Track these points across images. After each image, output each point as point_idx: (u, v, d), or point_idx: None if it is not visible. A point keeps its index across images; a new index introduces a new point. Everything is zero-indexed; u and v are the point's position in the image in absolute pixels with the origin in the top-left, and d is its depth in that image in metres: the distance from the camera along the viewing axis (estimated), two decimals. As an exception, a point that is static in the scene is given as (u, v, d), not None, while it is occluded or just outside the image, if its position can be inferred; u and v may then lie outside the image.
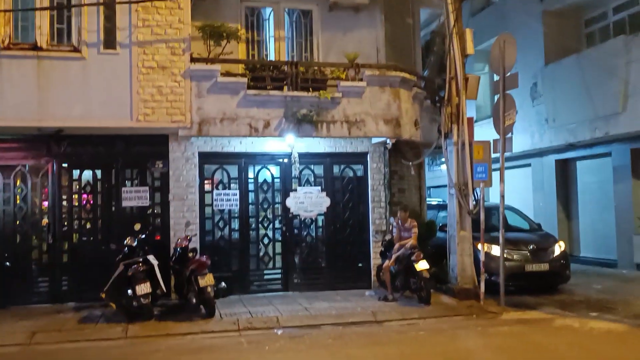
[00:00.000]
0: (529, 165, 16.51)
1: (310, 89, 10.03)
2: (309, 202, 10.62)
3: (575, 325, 8.07)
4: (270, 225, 10.69)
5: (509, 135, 9.46)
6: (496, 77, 9.86)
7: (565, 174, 15.57)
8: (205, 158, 10.32)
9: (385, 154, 10.94)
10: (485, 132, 13.59)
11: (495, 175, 9.51)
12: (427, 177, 14.30)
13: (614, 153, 13.60)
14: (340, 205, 10.90)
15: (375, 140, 10.75)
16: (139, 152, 10.06)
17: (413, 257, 9.16)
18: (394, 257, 9.54)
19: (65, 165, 9.92)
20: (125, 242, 8.70)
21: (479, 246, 9.63)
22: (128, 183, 10.09)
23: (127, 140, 9.98)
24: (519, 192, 16.48)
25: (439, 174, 18.58)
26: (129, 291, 8.17)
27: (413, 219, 9.83)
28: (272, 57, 11.05)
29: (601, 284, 11.56)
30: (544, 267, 10.58)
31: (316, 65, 10.49)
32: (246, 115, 9.74)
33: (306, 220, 10.77)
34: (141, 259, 8.45)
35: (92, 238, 10.00)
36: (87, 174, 10.05)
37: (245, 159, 10.56)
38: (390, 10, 11.45)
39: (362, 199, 10.96)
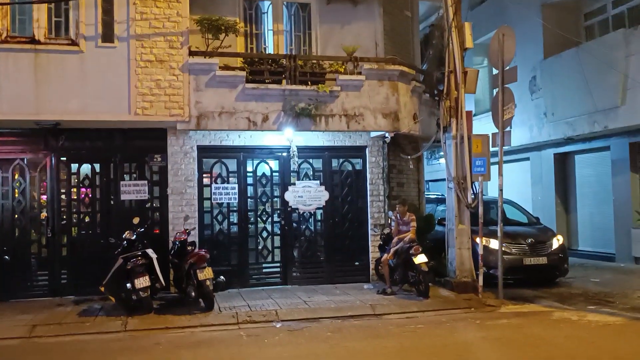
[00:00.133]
0: (527, 159, 16.52)
1: (309, 82, 10.02)
2: (307, 196, 10.63)
3: (573, 318, 8.10)
4: (269, 219, 10.70)
5: (508, 129, 9.46)
6: (495, 71, 9.85)
7: (563, 167, 15.59)
8: (204, 152, 10.31)
9: (383, 147, 10.94)
10: (484, 125, 13.58)
11: (494, 169, 9.51)
12: (426, 170, 14.33)
13: (613, 147, 13.61)
14: (339, 199, 10.91)
15: (373, 134, 10.75)
16: (137, 146, 10.05)
17: (412, 251, 9.18)
18: (392, 250, 9.56)
19: (63, 159, 9.91)
20: (124, 235, 8.71)
21: (478, 240, 9.65)
22: (127, 177, 10.08)
23: (126, 134, 9.97)
24: (518, 185, 16.49)
25: (438, 167, 18.61)
26: (128, 285, 8.19)
27: (412, 212, 9.85)
28: (270, 50, 11.02)
29: (599, 277, 11.61)
30: (542, 260, 10.62)
31: (315, 58, 10.47)
32: (245, 109, 9.72)
33: (305, 214, 10.78)
34: (140, 253, 8.46)
35: (91, 232, 10.00)
36: (86, 168, 10.04)
37: (244, 153, 10.55)
38: (388, 3, 11.42)
39: (361, 193, 10.97)
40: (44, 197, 9.86)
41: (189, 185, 10.07)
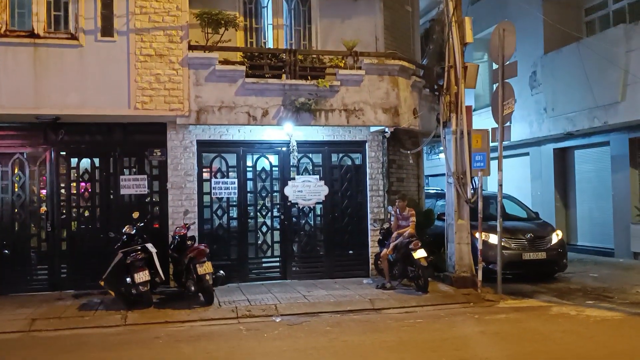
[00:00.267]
0: (527, 154, 16.53)
1: (309, 77, 10.00)
2: (307, 190, 10.64)
3: (571, 313, 8.13)
4: (269, 214, 10.71)
5: (508, 124, 9.46)
6: (495, 66, 9.83)
7: (563, 163, 15.60)
8: (204, 146, 10.31)
9: (383, 142, 10.94)
10: (483, 121, 13.57)
11: (494, 164, 9.52)
12: (426, 165, 14.32)
13: (613, 142, 13.61)
14: (339, 194, 10.92)
15: (373, 129, 10.74)
16: (137, 141, 10.05)
17: (411, 246, 9.19)
18: (392, 245, 9.57)
19: (63, 153, 9.91)
20: (123, 230, 8.72)
21: (477, 235, 9.66)
22: (126, 171, 10.08)
23: (125, 128, 9.96)
24: (517, 180, 16.50)
25: (438, 162, 18.61)
26: (128, 279, 8.20)
27: (411, 207, 9.86)
28: (270, 45, 11.00)
29: (598, 272, 11.64)
30: (541, 255, 10.64)
31: (315, 53, 10.46)
32: (244, 103, 9.72)
33: (304, 209, 10.79)
34: (140, 247, 8.47)
35: (90, 226, 10.00)
36: (85, 162, 10.04)
37: (244, 148, 10.55)
38: (389, -3, 11.40)
39: (361, 188, 10.97)
40: (44, 191, 9.86)
41: (188, 180, 10.07)
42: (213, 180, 10.39)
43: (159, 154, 10.09)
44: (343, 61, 10.27)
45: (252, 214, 10.64)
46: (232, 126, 10.11)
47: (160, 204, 10.15)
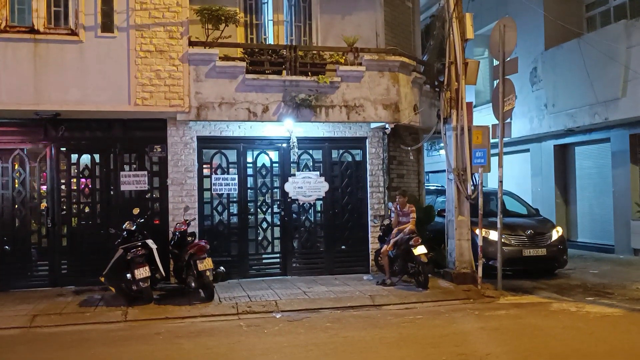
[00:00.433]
0: (527, 150, 16.52)
1: (309, 73, 9.99)
2: (307, 187, 10.63)
3: (571, 309, 8.14)
4: (269, 210, 10.71)
5: (508, 120, 9.46)
6: (496, 62, 9.82)
7: (563, 159, 15.59)
8: (204, 142, 10.30)
9: (384, 139, 10.93)
10: (484, 117, 13.58)
11: (494, 161, 9.52)
12: (426, 162, 14.33)
13: (613, 138, 13.60)
14: (339, 190, 10.92)
15: (374, 125, 10.73)
16: (137, 137, 10.04)
17: (411, 242, 9.19)
18: (392, 241, 9.57)
19: (63, 149, 9.91)
20: (124, 226, 8.71)
21: (477, 231, 9.67)
22: (126, 167, 10.08)
23: (125, 124, 9.96)
24: (518, 177, 16.51)
25: (438, 159, 18.60)
26: (128, 275, 8.21)
27: (411, 204, 9.85)
28: (270, 41, 10.98)
29: (598, 268, 11.65)
30: (542, 252, 10.65)
31: (315, 49, 10.44)
32: (245, 99, 9.71)
33: (305, 205, 10.79)
34: (140, 243, 8.47)
35: (91, 222, 10.01)
36: (86, 158, 10.04)
37: (244, 144, 10.54)
38: (389, -7, 11.37)
39: (361, 184, 10.97)
40: (44, 187, 9.87)
41: (188, 176, 10.07)
42: (213, 176, 10.38)
43: (159, 150, 10.09)
44: (343, 57, 10.25)
45: (252, 210, 10.64)
46: (232, 122, 10.10)
47: (161, 200, 10.15)
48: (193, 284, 8.60)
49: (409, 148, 11.43)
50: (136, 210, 9.05)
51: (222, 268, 9.55)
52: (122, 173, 9.98)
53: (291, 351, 6.29)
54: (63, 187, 9.89)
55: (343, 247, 10.87)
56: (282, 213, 10.69)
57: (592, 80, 12.99)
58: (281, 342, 6.66)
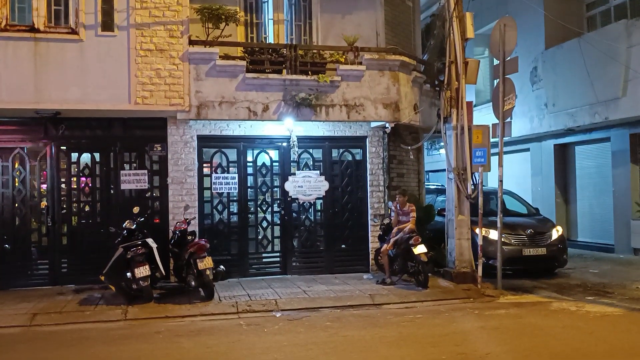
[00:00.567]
0: (527, 149, 16.52)
1: (310, 72, 9.99)
2: (307, 186, 10.63)
3: (571, 308, 8.14)
4: (269, 209, 10.71)
5: (508, 119, 9.45)
6: (496, 61, 9.82)
7: (563, 158, 15.59)
8: (204, 141, 10.30)
9: (384, 138, 10.93)
10: (484, 116, 13.58)
11: (494, 160, 9.52)
12: (426, 161, 14.32)
13: (613, 138, 13.60)
14: (339, 189, 10.92)
15: (374, 124, 10.73)
16: (137, 136, 10.04)
17: (411, 241, 9.19)
18: (392, 241, 9.57)
19: (63, 148, 9.91)
20: (124, 225, 8.71)
21: (477, 230, 9.67)
22: (127, 166, 10.08)
23: (126, 123, 9.96)
24: (518, 176, 16.51)
25: (438, 158, 18.60)
26: (128, 274, 8.21)
27: (411, 203, 9.85)
28: (271, 40, 10.98)
29: (598, 268, 11.65)
30: (542, 251, 10.66)
31: (315, 48, 10.43)
32: (245, 98, 9.71)
33: (305, 204, 10.79)
34: (140, 242, 8.47)
35: (91, 221, 10.01)
36: (86, 157, 10.04)
37: (244, 143, 10.54)
38: (390, -8, 11.36)
39: (361, 183, 10.97)
40: (44, 186, 9.87)
41: (189, 175, 10.07)
42: (213, 175, 10.38)
43: (159, 149, 10.09)
44: (344, 56, 10.25)
45: (252, 209, 10.65)
46: (232, 121, 10.10)
47: (161, 199, 10.15)
48: (193, 283, 8.61)
49: (409, 147, 11.43)
50: (136, 209, 9.06)
51: (222, 267, 9.56)
52: (122, 172, 9.98)
53: (291, 350, 6.29)
54: (63, 185, 9.89)
55: (343, 246, 10.88)
56: (282, 212, 10.70)
57: (592, 80, 12.98)
58: (281, 341, 6.66)
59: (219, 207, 10.48)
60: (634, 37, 12.10)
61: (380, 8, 11.11)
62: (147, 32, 9.27)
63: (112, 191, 10.02)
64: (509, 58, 9.33)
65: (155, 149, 10.09)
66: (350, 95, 10.10)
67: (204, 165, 10.41)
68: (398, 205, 9.78)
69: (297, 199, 10.65)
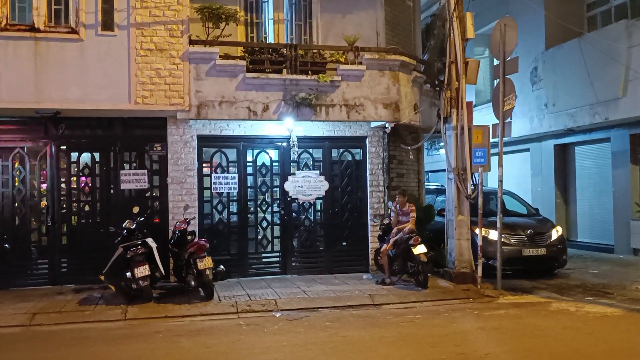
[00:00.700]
0: (527, 150, 16.52)
1: (310, 72, 9.99)
2: (307, 186, 10.63)
3: (571, 309, 8.14)
4: (269, 209, 10.71)
5: (508, 120, 9.45)
6: (496, 62, 9.82)
7: (563, 159, 15.59)
8: (204, 141, 10.30)
9: (384, 138, 10.92)
10: (484, 116, 13.58)
11: (494, 160, 9.52)
12: (426, 161, 14.33)
13: (613, 138, 13.60)
14: (339, 189, 10.92)
15: (374, 124, 10.73)
16: (137, 135, 10.04)
17: (411, 241, 9.19)
18: (392, 241, 9.57)
19: (63, 147, 9.91)
20: (124, 224, 8.71)
21: (477, 231, 9.67)
22: (127, 166, 10.08)
23: (126, 123, 9.95)
24: (517, 176, 16.51)
25: (438, 158, 18.61)
26: (128, 274, 8.21)
27: (411, 203, 9.85)
28: (271, 39, 10.98)
29: (598, 268, 11.66)
30: (541, 251, 10.65)
31: (315, 48, 10.43)
32: (245, 98, 9.70)
33: (304, 204, 10.79)
34: (140, 242, 8.47)
35: (91, 221, 10.01)
36: (86, 157, 10.04)
37: (244, 143, 10.54)
38: (390, -8, 11.36)
39: (361, 183, 10.97)
40: (44, 185, 9.87)
41: (188, 175, 10.07)
42: (213, 175, 10.38)
43: (159, 148, 10.08)
44: (344, 56, 10.25)
45: (252, 209, 10.64)
46: (232, 121, 10.10)
47: (161, 198, 10.15)
48: (193, 283, 8.61)
49: (409, 147, 11.43)
50: (136, 209, 9.06)
51: (221, 267, 9.55)
52: (122, 171, 9.98)
53: (290, 350, 6.29)
54: (63, 185, 9.89)
55: (343, 245, 10.88)
56: (282, 212, 10.70)
57: (592, 80, 12.98)
58: (280, 341, 6.66)
59: (219, 207, 10.48)
60: (634, 37, 12.09)
61: (381, 8, 11.11)
62: (148, 31, 9.27)
63: (112, 191, 10.02)
64: (509, 58, 9.33)
65: (155, 148, 10.09)
66: (350, 95, 10.10)
67: (204, 165, 10.41)
68: (398, 205, 9.78)
69: (296, 199, 10.65)
